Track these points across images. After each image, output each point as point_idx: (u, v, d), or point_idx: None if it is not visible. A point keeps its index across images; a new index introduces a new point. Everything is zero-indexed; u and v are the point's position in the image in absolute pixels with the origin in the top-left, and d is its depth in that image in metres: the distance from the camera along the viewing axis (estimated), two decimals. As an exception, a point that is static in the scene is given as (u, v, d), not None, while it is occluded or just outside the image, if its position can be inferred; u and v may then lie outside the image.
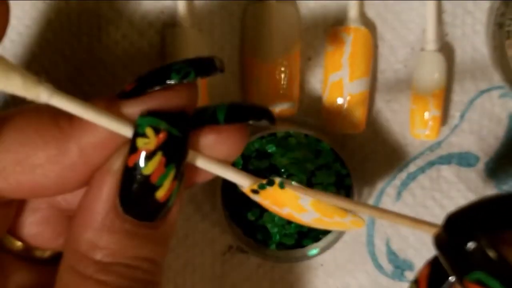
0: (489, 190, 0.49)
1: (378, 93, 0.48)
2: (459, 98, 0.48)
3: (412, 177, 0.49)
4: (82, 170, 0.32)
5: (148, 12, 0.46)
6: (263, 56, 0.45)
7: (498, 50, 0.45)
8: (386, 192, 0.49)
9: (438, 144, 0.48)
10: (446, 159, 0.48)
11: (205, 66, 0.32)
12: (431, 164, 0.49)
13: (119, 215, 0.32)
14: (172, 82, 0.31)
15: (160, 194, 0.32)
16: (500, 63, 0.46)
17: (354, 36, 0.45)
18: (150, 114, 0.31)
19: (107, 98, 0.32)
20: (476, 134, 0.48)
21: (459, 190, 0.49)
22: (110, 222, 0.32)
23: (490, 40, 0.46)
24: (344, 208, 0.35)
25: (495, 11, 0.45)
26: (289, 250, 0.47)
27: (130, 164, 0.31)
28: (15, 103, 0.45)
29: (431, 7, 0.46)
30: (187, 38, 0.45)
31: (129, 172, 0.32)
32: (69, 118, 0.31)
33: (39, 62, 0.46)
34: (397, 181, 0.49)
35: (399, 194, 0.49)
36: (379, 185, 0.49)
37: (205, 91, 0.45)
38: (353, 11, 0.46)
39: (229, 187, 0.45)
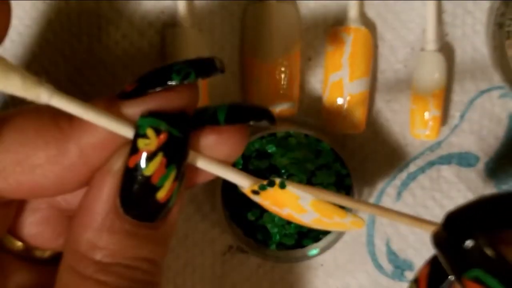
0: (489, 190, 0.49)
1: (378, 93, 0.48)
2: (459, 98, 0.48)
3: (412, 177, 0.49)
4: (82, 171, 0.32)
5: (148, 12, 0.46)
6: (263, 56, 0.45)
7: (498, 50, 0.45)
8: (386, 192, 0.49)
9: (438, 144, 0.48)
10: (446, 159, 0.48)
11: (205, 66, 0.32)
12: (431, 164, 0.49)
13: (119, 215, 0.32)
14: (173, 83, 0.31)
15: (161, 194, 0.32)
16: (500, 63, 0.46)
17: (354, 36, 0.45)
18: (151, 114, 0.31)
19: (107, 99, 0.32)
20: (476, 134, 0.48)
21: (459, 190, 0.49)
22: (110, 223, 0.32)
23: (490, 40, 0.46)
24: (345, 206, 0.35)
25: (495, 11, 0.45)
26: (289, 250, 0.47)
27: (131, 164, 0.31)
28: (14, 103, 0.45)
29: (431, 7, 0.46)
30: (187, 38, 0.45)
31: (130, 173, 0.31)
32: (69, 118, 0.31)
33: (39, 62, 0.46)
34: (397, 181, 0.49)
35: (399, 194, 0.49)
36: (379, 185, 0.49)
37: (205, 91, 0.45)
38: (353, 11, 0.46)
39: (229, 187, 0.45)
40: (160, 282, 0.35)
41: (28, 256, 0.37)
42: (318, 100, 0.47)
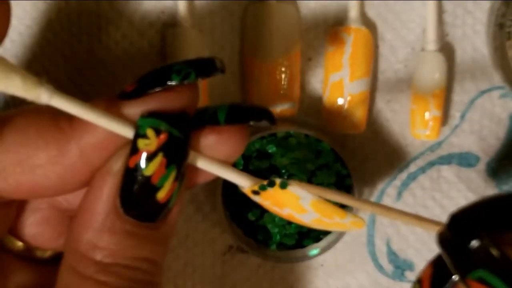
0: (490, 190, 0.49)
1: (379, 93, 0.48)
2: (459, 98, 0.48)
3: (413, 177, 0.49)
4: (82, 171, 0.32)
5: (149, 12, 0.46)
6: (264, 56, 0.45)
7: (498, 51, 0.45)
8: (387, 192, 0.49)
9: (439, 144, 0.48)
10: (447, 159, 0.48)
11: (205, 67, 0.32)
12: (431, 164, 0.49)
13: (119, 215, 0.32)
14: (173, 83, 0.31)
15: (161, 195, 0.32)
16: (500, 64, 0.45)
17: (354, 36, 0.45)
18: (151, 115, 0.31)
19: (108, 99, 0.32)
20: (477, 134, 0.48)
21: (460, 190, 0.49)
22: (111, 223, 0.32)
23: (490, 40, 0.46)
24: (348, 205, 0.35)
25: (496, 12, 0.45)
26: (290, 250, 0.47)
27: (131, 165, 0.31)
28: (15, 104, 0.45)
29: (431, 7, 0.46)
30: (188, 38, 0.45)
31: (130, 173, 0.31)
32: (69, 118, 0.31)
33: (40, 62, 0.46)
34: (397, 181, 0.49)
35: (399, 194, 0.49)
36: (380, 185, 0.49)
37: (205, 91, 0.45)
38: (353, 11, 0.46)
39: (229, 188, 0.45)
40: (161, 282, 0.35)
41: (28, 256, 0.37)
42: (318, 100, 0.47)
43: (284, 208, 0.35)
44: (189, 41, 0.45)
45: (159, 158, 0.31)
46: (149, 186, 0.31)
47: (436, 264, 0.33)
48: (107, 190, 0.32)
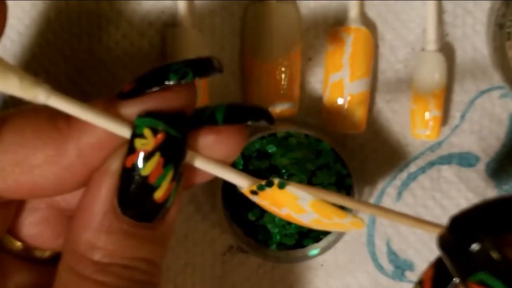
0: (490, 191, 0.49)
1: (379, 93, 0.48)
2: (459, 98, 0.48)
3: (413, 177, 0.49)
4: (81, 171, 0.32)
5: (149, 12, 0.46)
6: (264, 56, 0.45)
7: (498, 51, 0.45)
8: (387, 192, 0.49)
9: (439, 144, 0.48)
10: (447, 159, 0.48)
11: (203, 66, 0.32)
12: (431, 164, 0.49)
13: (117, 215, 0.32)
14: (171, 82, 0.31)
15: (158, 194, 0.32)
16: (500, 64, 0.45)
17: (354, 36, 0.45)
18: (148, 114, 0.31)
19: (105, 99, 0.32)
20: (477, 134, 0.48)
21: (460, 190, 0.49)
22: (108, 223, 0.32)
23: (490, 41, 0.46)
24: (346, 206, 0.35)
25: (496, 12, 0.45)
26: (290, 250, 0.47)
27: (128, 165, 0.31)
28: (14, 103, 0.45)
29: (431, 7, 0.46)
30: (188, 38, 0.45)
31: (127, 173, 0.31)
32: (67, 119, 0.31)
33: (39, 62, 0.46)
34: (397, 181, 0.49)
35: (399, 194, 0.49)
36: (380, 185, 0.49)
37: (205, 91, 0.45)
38: (353, 11, 0.46)
39: (229, 187, 0.45)
40: (159, 282, 0.35)
41: (27, 256, 0.37)
42: (318, 100, 0.47)
43: (282, 208, 0.35)
44: (189, 41, 0.45)
45: (156, 158, 0.31)
46: (146, 186, 0.31)
47: (438, 266, 0.32)
48: (105, 190, 0.32)
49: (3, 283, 0.36)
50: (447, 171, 0.49)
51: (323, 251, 0.47)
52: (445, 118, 0.48)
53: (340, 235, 0.47)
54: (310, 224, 0.36)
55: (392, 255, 0.49)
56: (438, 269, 0.32)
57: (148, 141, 0.31)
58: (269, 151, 0.46)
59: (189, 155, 0.33)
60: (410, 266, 0.49)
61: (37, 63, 0.46)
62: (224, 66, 0.33)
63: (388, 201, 0.49)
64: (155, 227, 0.33)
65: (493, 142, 0.48)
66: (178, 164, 0.32)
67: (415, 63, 0.47)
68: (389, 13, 0.47)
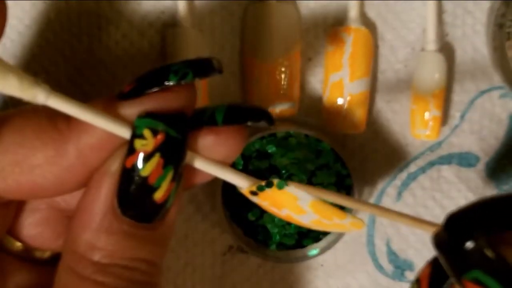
0: (490, 191, 0.49)
1: (379, 93, 0.48)
2: (459, 98, 0.48)
3: (413, 177, 0.49)
4: (80, 171, 0.32)
5: (149, 12, 0.46)
6: (264, 56, 0.45)
7: (498, 51, 0.45)
8: (387, 192, 0.49)
9: (439, 144, 0.48)
10: (447, 159, 0.48)
11: (203, 67, 0.32)
12: (431, 164, 0.49)
13: (117, 216, 0.32)
14: (171, 83, 0.31)
15: (158, 195, 0.32)
16: (500, 64, 0.45)
17: (354, 36, 0.45)
18: (148, 115, 0.31)
19: (105, 99, 0.32)
20: (477, 134, 0.48)
21: (460, 190, 0.49)
22: (108, 223, 0.32)
23: (490, 41, 0.46)
24: (345, 206, 0.35)
25: (495, 12, 0.45)
26: (290, 250, 0.47)
27: (128, 165, 0.31)
28: (14, 104, 0.45)
29: (431, 7, 0.46)
30: (188, 38, 0.45)
31: (127, 174, 0.31)
32: (67, 119, 0.31)
33: (39, 62, 0.46)
34: (397, 181, 0.49)
35: (399, 194, 0.49)
36: (380, 185, 0.49)
37: (205, 91, 0.45)
38: (353, 11, 0.46)
39: (229, 188, 0.45)
40: (159, 283, 0.35)
41: (27, 256, 0.37)
42: (318, 100, 0.47)
43: (282, 209, 0.35)
44: (189, 41, 0.45)
45: (156, 159, 0.31)
46: (146, 187, 0.31)
47: (435, 264, 0.33)
48: (104, 191, 0.32)
49: (3, 283, 0.36)
50: (447, 171, 0.49)
51: (323, 251, 0.47)
52: (445, 118, 0.48)
53: (340, 235, 0.47)
54: (310, 225, 0.36)
55: (392, 255, 0.49)
56: (435, 267, 0.32)
57: (148, 141, 0.31)
58: (269, 151, 0.46)
59: (189, 155, 0.33)
60: (410, 266, 0.49)
61: (37, 63, 0.46)
62: (224, 66, 0.33)
63: (388, 201, 0.49)
64: (155, 228, 0.33)
65: (493, 142, 0.48)
66: (178, 165, 0.32)
67: (415, 63, 0.47)
68: (389, 13, 0.47)
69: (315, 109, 0.48)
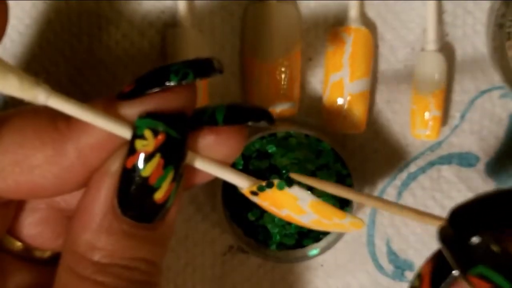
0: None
1: (379, 93, 0.48)
2: (459, 98, 0.48)
3: (413, 177, 0.49)
4: (80, 171, 0.32)
5: (149, 12, 0.46)
6: (264, 56, 0.45)
7: (498, 51, 0.45)
8: (387, 192, 0.49)
9: (439, 144, 0.48)
10: (447, 159, 0.48)
11: (203, 67, 0.32)
12: (431, 164, 0.49)
13: (117, 216, 0.32)
14: (171, 83, 0.31)
15: (159, 195, 0.32)
16: (500, 64, 0.45)
17: (354, 36, 0.45)
18: (149, 115, 0.31)
19: (106, 99, 0.32)
20: (477, 134, 0.48)
21: (460, 190, 0.49)
22: (108, 223, 0.32)
23: (490, 41, 0.46)
24: (347, 198, 0.34)
25: (496, 12, 0.45)
26: (290, 250, 0.47)
27: (129, 165, 0.31)
28: (14, 104, 0.45)
29: (431, 7, 0.46)
30: (188, 38, 0.45)
31: (128, 174, 0.31)
32: (67, 119, 0.31)
33: (40, 62, 0.46)
34: (397, 181, 0.49)
35: (399, 194, 0.49)
36: (380, 185, 0.49)
37: (205, 91, 0.45)
38: (353, 11, 0.46)
39: (229, 188, 0.45)
40: (159, 283, 0.35)
41: (27, 256, 0.37)
42: (318, 100, 0.47)
43: (282, 209, 0.35)
44: (189, 41, 0.45)
45: (157, 159, 0.31)
46: (147, 187, 0.31)
47: (436, 259, 0.33)
48: (104, 191, 0.32)
49: (3, 283, 0.36)
50: (447, 171, 0.49)
51: (323, 251, 0.47)
52: (445, 118, 0.48)
53: (340, 235, 0.47)
54: (310, 224, 0.36)
55: (392, 255, 0.49)
56: (437, 262, 0.32)
57: (148, 142, 0.31)
58: (269, 151, 0.46)
59: (189, 156, 0.33)
60: (410, 266, 0.49)
61: (37, 63, 0.46)
62: (224, 66, 0.33)
63: (388, 201, 0.49)
64: (155, 228, 0.33)
65: (493, 142, 0.48)
66: (178, 165, 0.32)
67: (415, 63, 0.47)
68: (389, 13, 0.47)
69: (315, 109, 0.48)
